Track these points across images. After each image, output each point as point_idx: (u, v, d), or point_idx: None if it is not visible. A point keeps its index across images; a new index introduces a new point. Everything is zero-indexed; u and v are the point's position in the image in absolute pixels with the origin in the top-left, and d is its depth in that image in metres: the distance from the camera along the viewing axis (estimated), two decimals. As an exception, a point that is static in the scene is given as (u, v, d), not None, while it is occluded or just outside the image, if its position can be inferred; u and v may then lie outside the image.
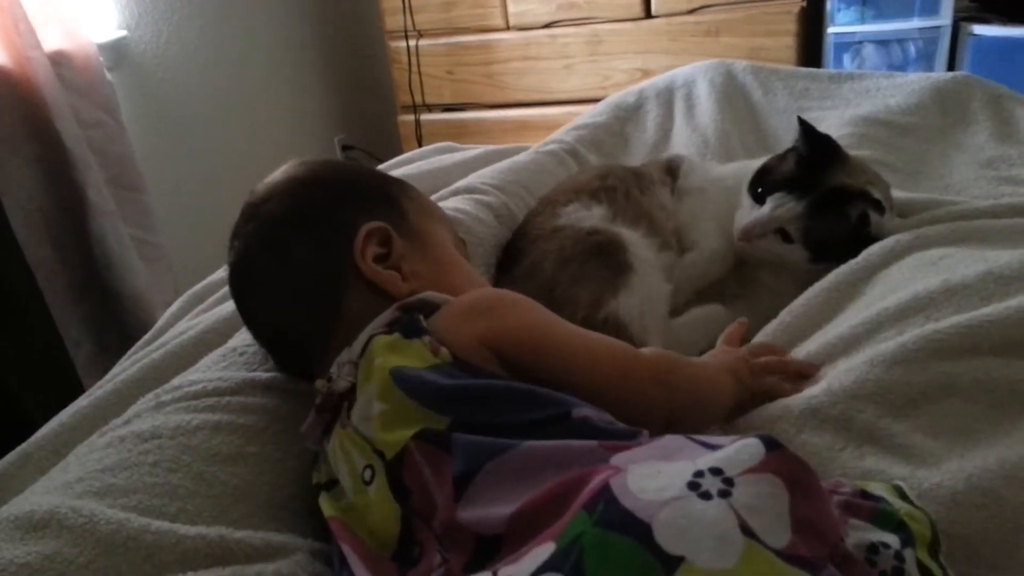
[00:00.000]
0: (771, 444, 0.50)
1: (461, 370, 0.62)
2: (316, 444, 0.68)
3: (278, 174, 0.79)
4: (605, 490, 0.48)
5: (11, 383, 1.61)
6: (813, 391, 0.71)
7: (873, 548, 0.48)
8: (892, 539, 0.49)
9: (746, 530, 0.44)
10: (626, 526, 0.45)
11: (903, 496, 0.56)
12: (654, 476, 0.49)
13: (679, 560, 0.43)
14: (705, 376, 0.74)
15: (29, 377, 1.66)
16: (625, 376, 0.68)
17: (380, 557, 0.58)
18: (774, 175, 1.06)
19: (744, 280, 1.11)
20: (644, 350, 0.73)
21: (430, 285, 0.72)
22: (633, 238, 1.07)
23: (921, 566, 0.49)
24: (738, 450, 0.50)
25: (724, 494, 0.46)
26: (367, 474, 0.60)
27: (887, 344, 0.72)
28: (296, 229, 0.74)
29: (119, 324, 1.86)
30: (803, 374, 0.78)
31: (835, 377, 0.71)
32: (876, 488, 0.55)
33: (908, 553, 0.49)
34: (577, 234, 1.05)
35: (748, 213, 1.06)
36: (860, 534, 0.49)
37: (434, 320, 0.67)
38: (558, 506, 0.50)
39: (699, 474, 0.48)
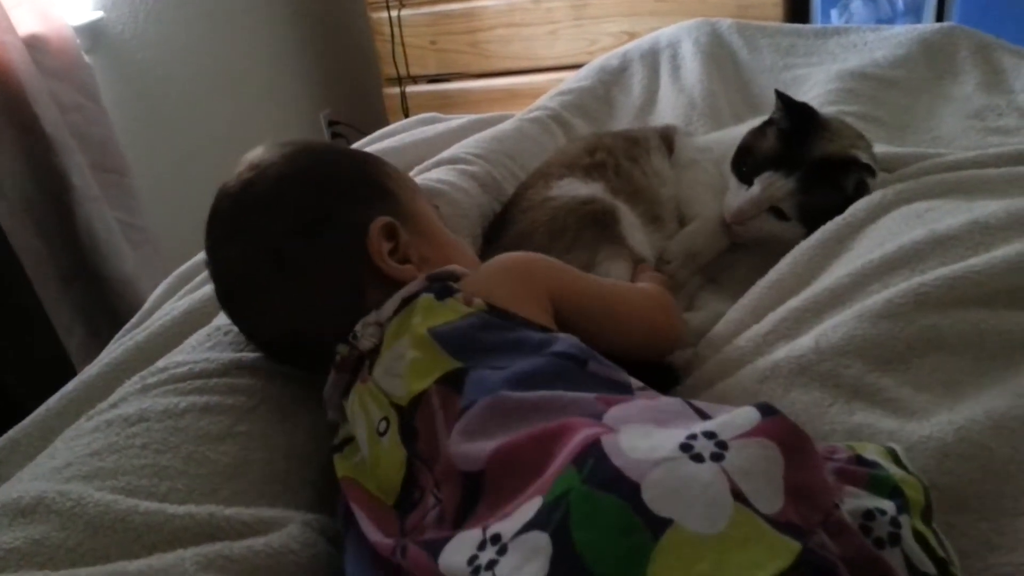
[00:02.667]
0: (767, 410, 0.50)
1: (495, 316, 0.65)
2: (335, 411, 0.69)
3: (256, 172, 0.74)
4: (595, 446, 0.48)
5: (3, 371, 1.61)
6: (801, 349, 0.70)
7: (869, 515, 0.47)
8: (888, 505, 0.48)
9: (737, 494, 0.44)
10: (614, 485, 0.45)
11: (897, 460, 0.55)
12: (646, 436, 0.49)
13: (667, 523, 0.43)
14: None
15: (22, 365, 1.66)
16: (638, 308, 0.79)
17: (384, 508, 0.59)
18: (757, 153, 1.05)
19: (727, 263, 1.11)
20: (641, 286, 0.85)
21: (437, 267, 0.72)
22: (627, 213, 1.07)
23: (916, 532, 0.49)
24: (733, 416, 0.50)
25: (717, 457, 0.46)
26: (382, 426, 0.62)
27: (874, 299, 0.72)
28: (302, 239, 0.71)
29: (109, 309, 1.85)
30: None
31: (823, 333, 0.71)
32: (871, 452, 0.54)
33: (904, 519, 0.48)
34: (571, 203, 1.05)
35: (736, 194, 1.05)
36: (856, 501, 0.48)
37: (464, 283, 0.69)
38: (541, 454, 0.50)
39: (692, 436, 0.48)
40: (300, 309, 0.71)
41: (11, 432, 0.82)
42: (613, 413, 0.53)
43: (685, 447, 0.47)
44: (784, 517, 0.44)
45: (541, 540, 0.45)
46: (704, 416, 0.53)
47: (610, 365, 0.63)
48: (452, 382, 0.60)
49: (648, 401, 0.56)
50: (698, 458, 0.46)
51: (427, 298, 0.67)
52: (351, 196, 0.75)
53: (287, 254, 0.71)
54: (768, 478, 0.46)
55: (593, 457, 0.47)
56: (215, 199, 0.75)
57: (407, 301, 0.67)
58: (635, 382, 0.62)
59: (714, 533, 0.43)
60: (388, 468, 0.60)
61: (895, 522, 0.47)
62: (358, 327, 0.68)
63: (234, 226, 0.73)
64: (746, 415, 0.49)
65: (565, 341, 0.63)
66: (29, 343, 1.74)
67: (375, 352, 0.66)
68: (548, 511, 0.46)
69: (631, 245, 1.02)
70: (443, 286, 0.68)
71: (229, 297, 0.76)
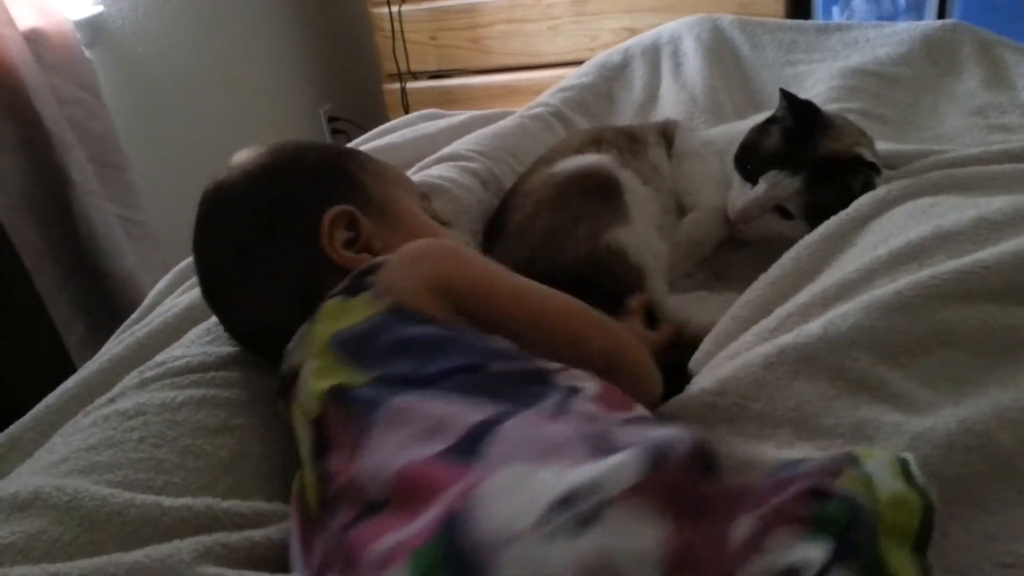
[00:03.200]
0: (656, 459, 0.45)
1: (400, 316, 0.62)
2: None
3: (228, 173, 0.76)
4: (450, 515, 0.45)
5: (3, 368, 1.61)
6: (808, 337, 0.70)
7: (792, 571, 0.42)
8: (818, 554, 0.42)
9: (604, 570, 0.41)
10: (468, 569, 0.42)
11: (906, 473, 0.49)
12: (512, 492, 0.45)
13: None
14: (650, 368, 0.73)
15: (21, 361, 1.65)
16: (567, 314, 0.69)
17: (314, 525, 0.57)
18: (761, 152, 1.04)
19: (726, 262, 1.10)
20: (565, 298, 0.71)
21: None
22: (632, 183, 1.07)
23: (878, 564, 0.43)
24: (614, 467, 0.45)
25: (578, 530, 0.42)
26: (307, 442, 0.60)
27: (883, 290, 0.71)
28: (262, 233, 0.73)
29: (109, 304, 1.85)
30: None
31: (831, 322, 0.70)
32: (875, 462, 0.49)
33: (838, 570, 0.41)
34: (576, 175, 1.05)
35: (740, 192, 1.05)
36: (772, 557, 0.42)
37: (378, 274, 0.66)
38: (415, 501, 0.48)
39: (558, 501, 0.43)
40: (265, 304, 0.72)
41: (11, 428, 0.81)
42: (498, 448, 0.49)
43: (546, 516, 0.43)
44: None
45: None
46: (598, 443, 0.49)
47: (521, 356, 0.60)
48: (339, 397, 0.58)
49: (533, 429, 0.51)
50: (556, 531, 0.42)
51: (333, 302, 0.65)
52: (310, 188, 0.75)
53: (249, 248, 0.73)
54: (643, 547, 0.42)
55: (444, 531, 0.44)
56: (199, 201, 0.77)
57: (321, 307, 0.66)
58: (553, 365, 0.59)
59: None
60: (311, 485, 0.59)
61: (826, 570, 0.41)
62: (291, 343, 0.67)
63: (207, 225, 0.76)
64: (625, 468, 0.44)
65: (461, 348, 0.59)
66: (28, 339, 1.73)
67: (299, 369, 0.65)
68: None
69: (636, 213, 1.03)
70: (359, 283, 0.66)
71: (208, 294, 0.78)
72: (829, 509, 0.44)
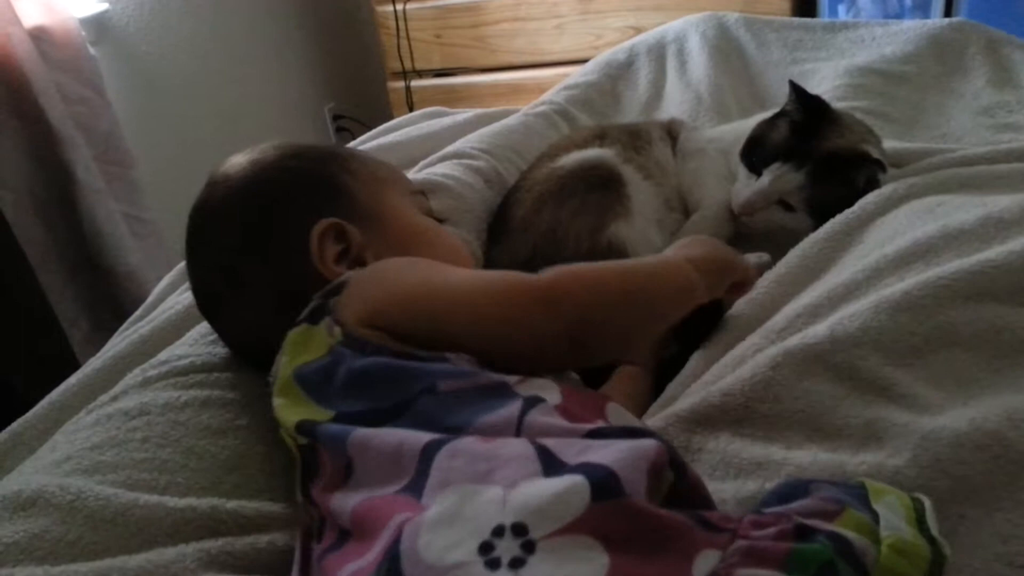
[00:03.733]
0: (603, 489, 0.43)
1: (350, 348, 0.58)
2: None
3: (211, 190, 0.75)
4: (394, 545, 0.44)
5: (7, 364, 1.61)
6: (816, 337, 0.69)
7: None
8: None
9: None
10: None
11: (920, 519, 0.47)
12: (451, 522, 0.44)
13: None
14: (626, 275, 0.64)
15: (26, 358, 1.66)
16: (501, 305, 0.60)
17: (311, 543, 0.56)
18: (767, 144, 1.04)
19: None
20: (542, 276, 0.62)
21: None
22: (633, 177, 1.07)
23: None
24: (556, 497, 0.43)
25: (517, 563, 0.40)
26: (298, 468, 0.59)
27: (891, 290, 0.71)
28: (248, 254, 0.71)
29: (114, 302, 1.85)
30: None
31: (839, 323, 0.69)
32: (889, 502, 0.47)
33: None
34: (579, 169, 1.05)
35: (745, 184, 1.04)
36: None
37: (340, 298, 0.62)
38: (369, 531, 0.47)
39: (499, 531, 0.42)
40: (257, 322, 0.71)
41: (14, 425, 0.81)
42: (434, 475, 0.47)
43: (484, 548, 0.41)
44: None
45: None
46: (549, 460, 0.47)
47: (471, 373, 0.56)
48: (307, 431, 0.56)
49: (481, 446, 0.49)
50: (494, 564, 0.40)
51: (296, 332, 0.62)
52: (295, 204, 0.72)
53: (238, 272, 0.71)
54: None
55: (387, 562, 0.43)
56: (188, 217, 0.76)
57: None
58: (512, 377, 0.56)
59: None
60: (303, 511, 0.58)
61: None
62: (274, 368, 0.64)
63: (194, 242, 0.75)
64: (572, 497, 0.42)
65: (410, 376, 0.55)
66: (33, 336, 1.73)
67: None
68: None
69: (637, 207, 1.02)
70: (321, 305, 0.62)
71: (202, 310, 0.77)
72: (807, 550, 0.42)
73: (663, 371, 0.83)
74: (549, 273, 0.61)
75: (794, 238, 0.91)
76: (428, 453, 0.49)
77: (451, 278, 0.64)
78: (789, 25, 1.64)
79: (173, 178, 2.15)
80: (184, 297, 0.94)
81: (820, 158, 0.99)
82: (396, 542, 0.43)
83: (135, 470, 0.62)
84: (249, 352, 0.75)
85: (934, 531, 0.46)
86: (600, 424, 0.53)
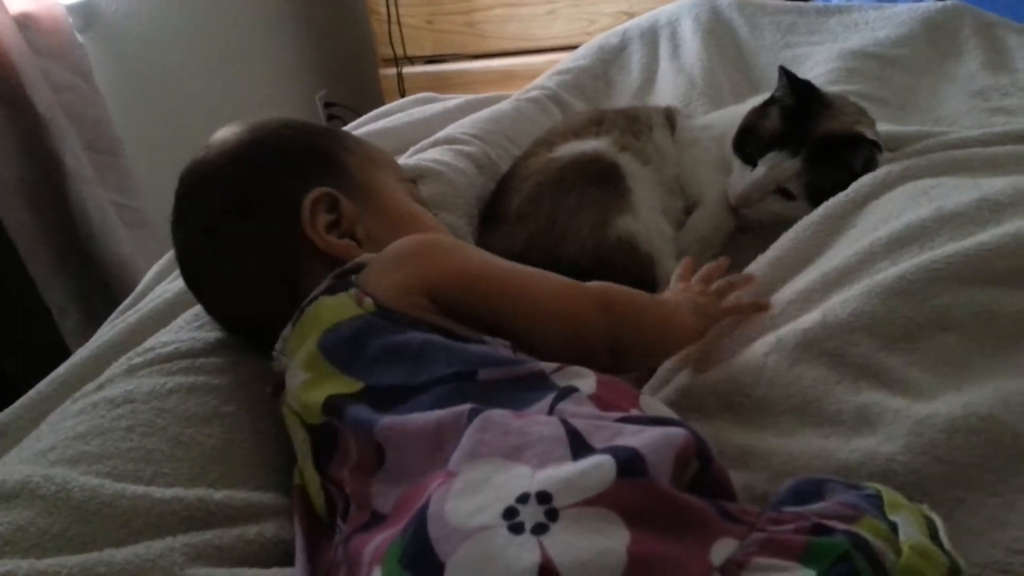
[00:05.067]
0: (629, 468, 0.43)
1: (385, 319, 0.59)
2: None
3: (204, 153, 0.74)
4: (422, 510, 0.44)
5: (-3, 355, 1.60)
6: (808, 323, 0.69)
7: None
8: None
9: (549, 573, 0.39)
10: (421, 566, 0.42)
11: (933, 536, 0.47)
12: (478, 489, 0.44)
13: None
14: (655, 310, 0.72)
15: (15, 348, 1.64)
16: (559, 299, 0.65)
17: (321, 530, 0.57)
18: (760, 133, 1.03)
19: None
20: (591, 284, 0.68)
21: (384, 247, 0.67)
22: (632, 167, 1.06)
23: None
24: (584, 472, 0.44)
25: (540, 529, 0.41)
26: (304, 446, 0.59)
27: (884, 275, 0.70)
28: (237, 215, 0.70)
29: (105, 291, 1.84)
30: (750, 283, 0.80)
31: (831, 308, 0.69)
32: (904, 514, 0.47)
33: None
34: (577, 162, 1.04)
35: (741, 176, 1.04)
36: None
37: (362, 275, 0.63)
38: (406, 508, 0.47)
39: (523, 498, 0.43)
40: (240, 290, 0.70)
41: (0, 416, 0.80)
42: (465, 444, 0.48)
43: (509, 512, 0.42)
44: None
45: None
46: (578, 442, 0.47)
47: (513, 360, 0.57)
48: (336, 412, 0.56)
49: (514, 421, 0.49)
50: (517, 528, 0.41)
51: (316, 305, 0.62)
52: (289, 168, 0.72)
53: (221, 233, 0.70)
54: (600, 555, 0.40)
55: (415, 524, 0.44)
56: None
57: (304, 309, 0.63)
58: (548, 366, 0.56)
59: None
60: (314, 492, 0.58)
61: None
62: (278, 344, 0.64)
63: (182, 204, 0.74)
64: (599, 472, 0.43)
65: (448, 354, 0.56)
66: (23, 326, 1.72)
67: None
68: None
69: (640, 198, 1.01)
70: (342, 281, 0.63)
71: (187, 277, 0.77)
72: (825, 542, 0.42)
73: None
74: (599, 284, 0.67)
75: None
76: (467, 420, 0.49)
77: (512, 265, 0.67)
78: (782, 9, 1.63)
79: (163, 166, 2.13)
80: (173, 285, 0.93)
81: (815, 143, 0.98)
82: (424, 507, 0.44)
83: (120, 460, 0.61)
84: (235, 325, 0.75)
85: (948, 546, 0.46)
86: (633, 412, 0.54)
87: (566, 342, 0.63)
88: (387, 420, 0.52)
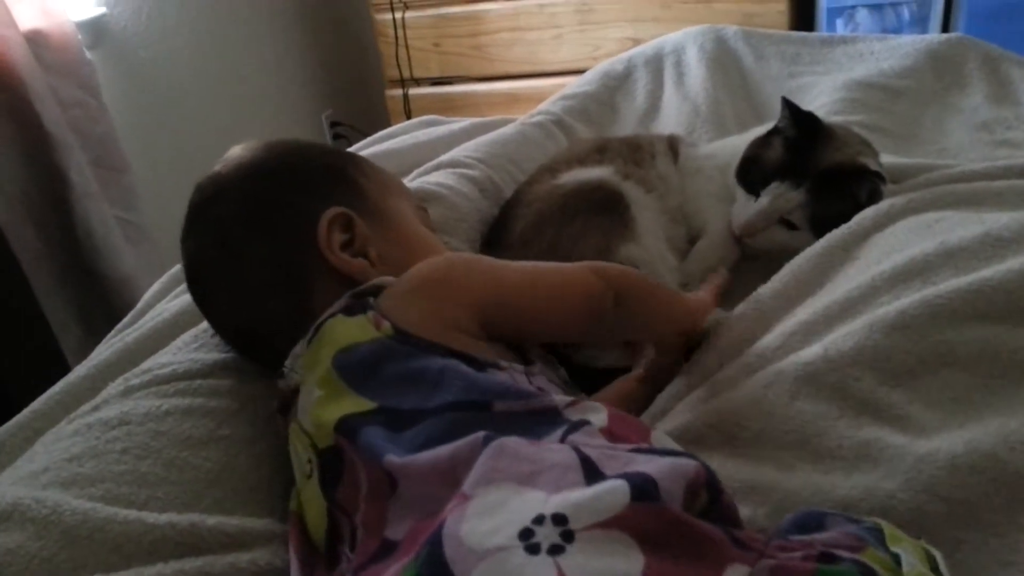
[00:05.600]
0: (643, 492, 0.44)
1: (403, 343, 0.59)
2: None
3: (222, 165, 0.74)
4: (436, 532, 0.44)
5: (-3, 370, 1.59)
6: (809, 356, 0.68)
7: None
8: None
9: None
10: None
11: (934, 569, 0.48)
12: (494, 511, 0.44)
13: None
14: (659, 290, 0.79)
15: (16, 363, 1.64)
16: (563, 274, 0.69)
17: (317, 557, 0.56)
18: (763, 164, 1.03)
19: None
20: (579, 264, 0.72)
21: (401, 268, 0.67)
22: (635, 195, 1.06)
23: None
24: (597, 495, 0.44)
25: (556, 550, 0.41)
26: (308, 468, 0.59)
27: (886, 309, 0.70)
28: (252, 227, 0.70)
29: (106, 307, 1.84)
30: None
31: (832, 343, 0.69)
32: (905, 548, 0.47)
33: None
34: (580, 189, 1.04)
35: (744, 206, 1.04)
36: None
37: (381, 298, 0.64)
38: (422, 535, 0.47)
39: (539, 520, 0.43)
40: (248, 302, 0.70)
41: (-4, 433, 0.80)
42: (479, 470, 0.48)
43: (525, 534, 0.42)
44: None
45: None
46: (591, 470, 0.48)
47: (529, 394, 0.57)
48: (349, 433, 0.56)
49: (527, 448, 0.50)
50: (533, 549, 0.41)
51: (332, 322, 0.62)
52: (306, 186, 0.72)
53: (234, 243, 0.70)
54: None
55: (429, 545, 0.44)
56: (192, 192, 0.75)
57: (320, 327, 0.63)
58: (562, 400, 0.57)
59: None
60: (314, 516, 0.57)
61: None
62: (288, 360, 0.64)
63: (196, 213, 0.74)
64: (613, 497, 0.44)
65: (465, 382, 0.56)
66: (25, 341, 1.72)
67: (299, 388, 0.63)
68: None
69: (643, 226, 1.02)
70: (360, 303, 0.63)
71: (192, 289, 0.76)
72: (834, 570, 0.43)
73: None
74: (587, 263, 0.72)
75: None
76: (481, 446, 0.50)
77: (517, 264, 0.71)
78: (787, 39, 1.64)
79: (168, 183, 2.15)
80: (172, 305, 0.92)
81: (818, 174, 0.98)
82: (439, 528, 0.44)
83: (114, 483, 0.60)
84: (239, 340, 0.75)
85: None
86: (642, 445, 0.54)
87: (580, 313, 0.68)
88: (395, 458, 0.52)
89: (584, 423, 0.54)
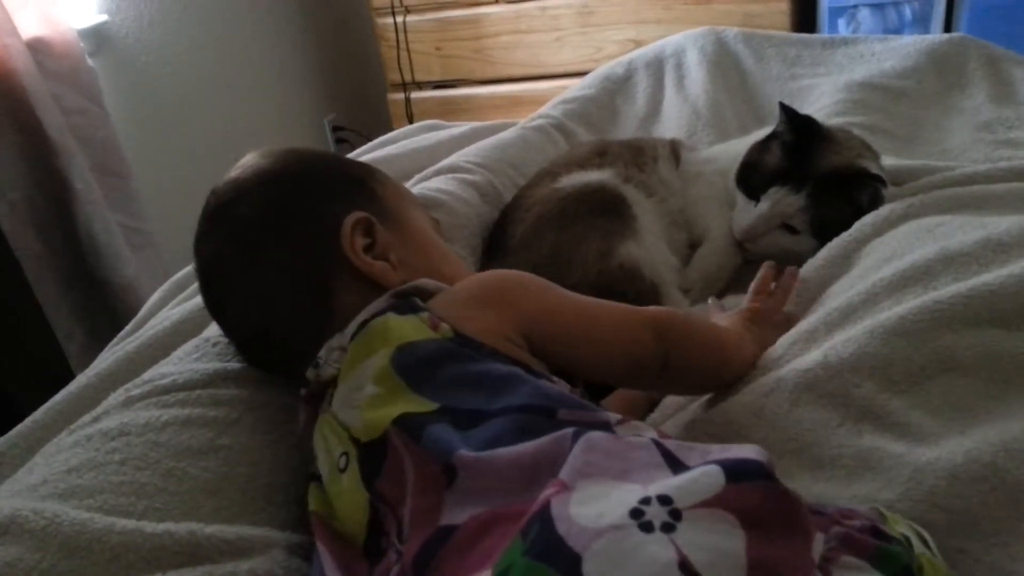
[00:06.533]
0: (738, 471, 0.46)
1: (463, 347, 0.60)
2: (309, 444, 0.66)
3: (241, 171, 0.75)
4: (544, 511, 0.45)
5: (2, 376, 1.60)
6: (809, 363, 0.68)
7: None
8: None
9: (686, 568, 0.40)
10: (554, 555, 0.42)
11: (928, 546, 0.51)
12: (598, 499, 0.45)
13: None
14: (713, 334, 0.75)
15: (20, 370, 1.65)
16: (620, 324, 0.69)
17: (351, 552, 0.56)
18: (763, 169, 1.03)
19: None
20: (647, 309, 0.72)
21: (420, 273, 0.69)
22: (636, 198, 1.06)
23: None
24: (694, 478, 0.46)
25: (668, 528, 0.43)
26: (342, 461, 0.59)
27: (887, 315, 0.69)
28: (273, 229, 0.70)
29: (110, 313, 1.84)
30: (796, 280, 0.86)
31: (832, 349, 0.68)
32: (903, 527, 0.50)
33: None
34: (581, 192, 1.04)
35: (745, 211, 1.03)
36: (847, 574, 0.44)
37: (432, 303, 0.65)
38: (509, 525, 0.48)
39: (645, 501, 0.44)
40: (267, 304, 0.70)
41: (-3, 444, 0.80)
42: (574, 462, 0.49)
43: (635, 513, 0.43)
44: None
45: None
46: (674, 462, 0.49)
47: (586, 406, 0.58)
48: (410, 429, 0.56)
49: (614, 444, 0.51)
50: (647, 527, 0.43)
51: (385, 319, 0.63)
52: (328, 191, 0.73)
53: (255, 245, 0.70)
54: (725, 554, 0.42)
55: (539, 523, 0.44)
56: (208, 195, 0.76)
57: (366, 323, 0.64)
58: (613, 417, 0.57)
59: None
60: (350, 509, 0.57)
61: None
62: (323, 352, 0.65)
63: (212, 220, 0.74)
64: (710, 479, 0.45)
65: (530, 388, 0.57)
66: (28, 348, 1.72)
67: (335, 380, 0.63)
68: None
69: (644, 227, 1.02)
70: (408, 303, 0.64)
71: (206, 292, 0.76)
72: (892, 550, 0.46)
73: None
74: (655, 309, 0.72)
75: (801, 260, 0.90)
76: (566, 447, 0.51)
77: (578, 296, 0.71)
78: (788, 41, 1.64)
79: (170, 189, 2.15)
80: (173, 313, 0.93)
81: (819, 178, 0.98)
82: (546, 508, 0.45)
83: (112, 494, 0.60)
84: (251, 345, 0.75)
85: (941, 563, 0.49)
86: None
87: (622, 365, 0.68)
88: (467, 453, 0.53)
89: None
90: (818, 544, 0.45)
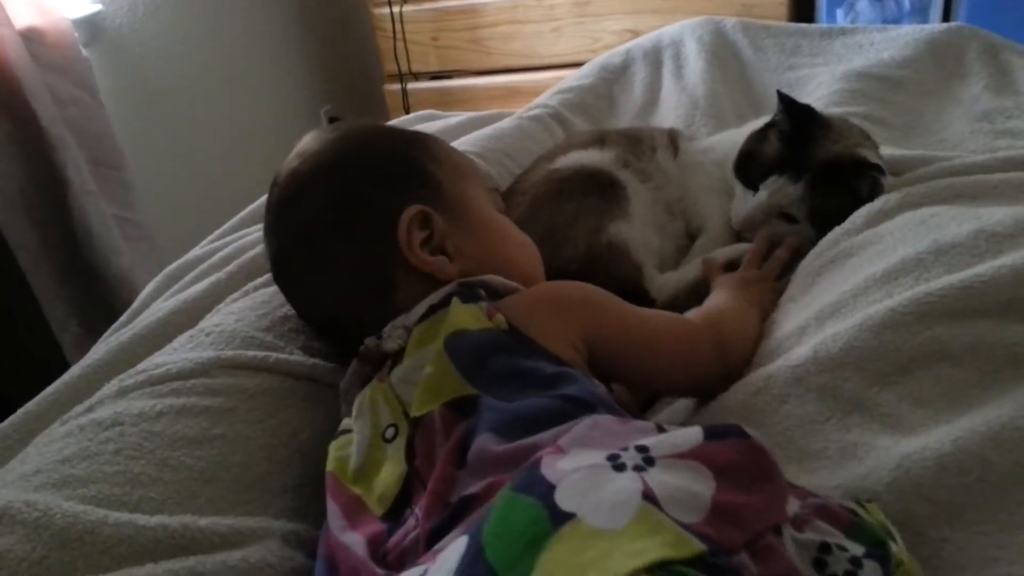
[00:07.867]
0: (719, 434, 0.48)
1: (516, 341, 0.63)
2: (348, 403, 0.68)
3: (300, 161, 0.75)
4: (534, 462, 0.47)
5: (-4, 368, 1.59)
6: (799, 358, 0.68)
7: (825, 547, 0.44)
8: (857, 548, 0.45)
9: (649, 497, 0.43)
10: (533, 487, 0.45)
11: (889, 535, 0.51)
12: (583, 455, 0.48)
13: (569, 516, 0.42)
14: (748, 321, 0.81)
15: (14, 362, 1.64)
16: (692, 349, 0.74)
17: (366, 513, 0.57)
18: (760, 158, 1.03)
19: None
20: (689, 315, 0.78)
21: (478, 260, 0.72)
22: (632, 183, 1.07)
23: None
24: (674, 435, 0.49)
25: (640, 468, 0.45)
26: (389, 432, 0.61)
27: (876, 308, 0.69)
28: (336, 230, 0.72)
29: (105, 305, 1.83)
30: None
31: (822, 344, 0.68)
32: (881, 517, 0.51)
33: (870, 565, 0.44)
34: (577, 174, 1.05)
35: (743, 201, 1.03)
36: (816, 535, 0.45)
37: (503, 301, 0.67)
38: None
39: (624, 448, 0.47)
40: (335, 299, 0.73)
41: (-11, 435, 0.79)
42: (574, 434, 0.51)
43: (612, 456, 0.47)
44: (699, 529, 0.42)
45: (461, 542, 0.45)
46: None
47: (622, 412, 0.60)
48: (460, 409, 0.58)
49: (619, 426, 0.53)
50: (620, 467, 0.46)
51: (454, 304, 0.65)
52: (385, 184, 0.74)
53: (318, 245, 0.72)
54: (691, 493, 0.44)
55: (526, 470, 0.47)
56: (269, 188, 0.77)
57: (435, 308, 0.66)
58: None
59: (613, 529, 0.41)
60: (387, 478, 0.58)
61: (856, 562, 0.44)
62: (387, 328, 0.67)
63: (277, 216, 0.76)
64: (688, 436, 0.48)
65: (580, 385, 0.59)
66: (23, 340, 1.72)
67: (399, 355, 0.66)
68: (477, 520, 0.46)
69: (636, 210, 1.03)
70: (471, 292, 0.67)
71: (277, 280, 0.80)
72: (867, 523, 0.47)
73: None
74: (702, 320, 0.78)
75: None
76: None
77: (640, 311, 0.75)
78: (786, 31, 1.63)
79: (165, 180, 2.15)
80: (166, 304, 0.92)
81: (817, 167, 0.97)
82: (536, 462, 0.48)
83: (106, 484, 0.60)
84: (323, 328, 0.79)
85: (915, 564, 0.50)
86: None
87: (684, 375, 0.74)
88: (496, 447, 0.54)
89: None
90: (792, 507, 0.47)
